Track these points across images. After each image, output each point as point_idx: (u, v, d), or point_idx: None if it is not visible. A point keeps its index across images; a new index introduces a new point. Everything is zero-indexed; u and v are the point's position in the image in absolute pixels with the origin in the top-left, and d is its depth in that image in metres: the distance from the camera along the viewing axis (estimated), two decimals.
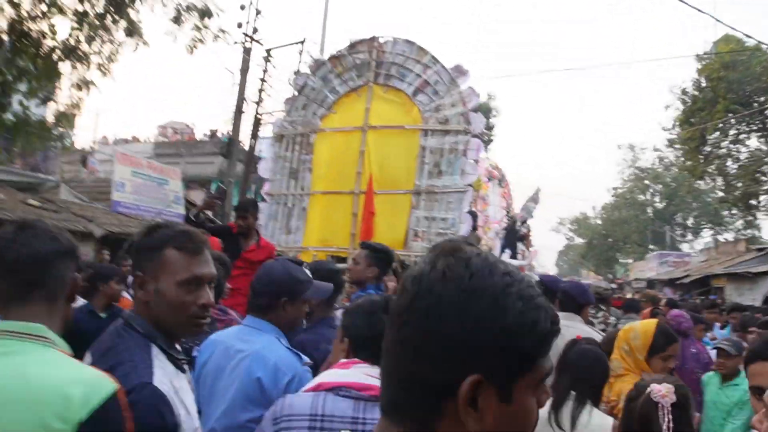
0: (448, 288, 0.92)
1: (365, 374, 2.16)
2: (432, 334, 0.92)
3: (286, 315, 2.89)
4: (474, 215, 10.27)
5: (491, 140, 38.45)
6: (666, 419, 2.49)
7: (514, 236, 16.96)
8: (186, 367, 2.10)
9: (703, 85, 27.82)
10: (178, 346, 2.08)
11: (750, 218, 30.90)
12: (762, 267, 24.25)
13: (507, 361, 0.92)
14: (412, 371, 0.94)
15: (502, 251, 16.25)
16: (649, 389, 2.60)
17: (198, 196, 17.97)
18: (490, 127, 38.65)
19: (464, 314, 0.91)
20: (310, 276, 3.06)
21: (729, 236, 42.62)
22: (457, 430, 0.91)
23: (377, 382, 1.88)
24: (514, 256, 16.54)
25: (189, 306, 1.99)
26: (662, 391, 2.56)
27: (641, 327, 3.84)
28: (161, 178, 16.38)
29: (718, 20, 14.95)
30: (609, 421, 2.97)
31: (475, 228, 10.38)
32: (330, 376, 2.24)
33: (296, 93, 9.95)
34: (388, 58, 9.40)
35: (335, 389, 2.12)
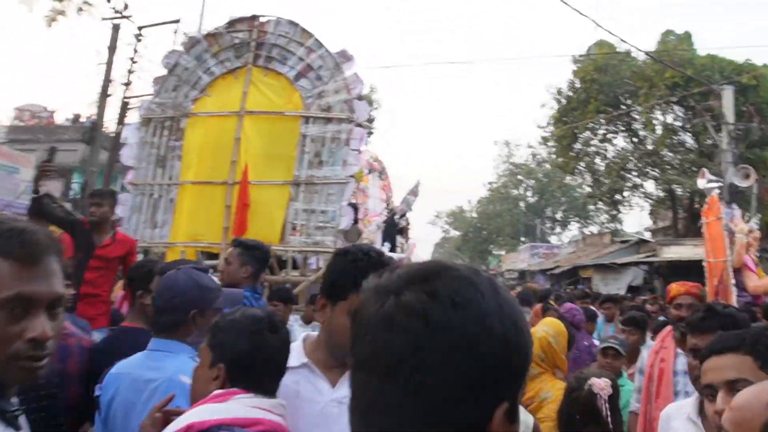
0: (468, 318, 0.86)
1: (249, 407, 1.78)
2: (461, 372, 0.84)
3: (198, 330, 2.57)
4: (355, 208, 9.85)
5: (372, 133, 38.31)
6: (605, 408, 2.86)
7: (394, 229, 16.69)
8: (23, 420, 1.47)
9: (577, 86, 28.78)
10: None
11: (614, 212, 32.38)
12: (626, 258, 25.58)
13: (519, 382, 0.92)
14: (436, 419, 0.84)
15: (382, 244, 15.95)
16: (589, 382, 2.95)
17: (56, 188, 16.57)
18: (371, 120, 38.44)
19: (496, 340, 0.86)
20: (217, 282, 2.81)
21: (594, 229, 44.79)
22: None
23: (266, 416, 1.80)
24: (393, 249, 16.27)
25: (10, 340, 1.34)
26: (602, 385, 2.93)
27: (555, 327, 4.07)
28: (11, 165, 14.91)
29: (597, 24, 15.17)
30: (531, 418, 3.15)
31: (356, 221, 9.96)
32: (203, 413, 1.77)
33: (167, 72, 9.13)
34: (270, 39, 8.76)
35: (213, 430, 1.68)
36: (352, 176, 8.46)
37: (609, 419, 2.89)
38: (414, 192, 17.37)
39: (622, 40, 15.09)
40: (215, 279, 2.73)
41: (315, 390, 2.08)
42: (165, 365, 2.46)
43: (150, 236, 8.45)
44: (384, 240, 16.17)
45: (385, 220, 16.72)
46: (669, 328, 4.58)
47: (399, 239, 17.02)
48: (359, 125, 8.49)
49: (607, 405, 2.89)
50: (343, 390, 1.94)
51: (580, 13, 10.43)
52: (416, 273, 0.91)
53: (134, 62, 16.20)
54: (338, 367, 2.07)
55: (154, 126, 8.89)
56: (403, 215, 17.14)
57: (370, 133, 37.48)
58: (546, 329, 4.04)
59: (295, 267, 8.09)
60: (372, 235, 15.48)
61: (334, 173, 8.25)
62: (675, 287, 4.62)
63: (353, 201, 10.08)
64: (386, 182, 17.86)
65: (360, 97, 8.60)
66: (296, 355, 2.13)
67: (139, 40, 16.30)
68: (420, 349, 0.84)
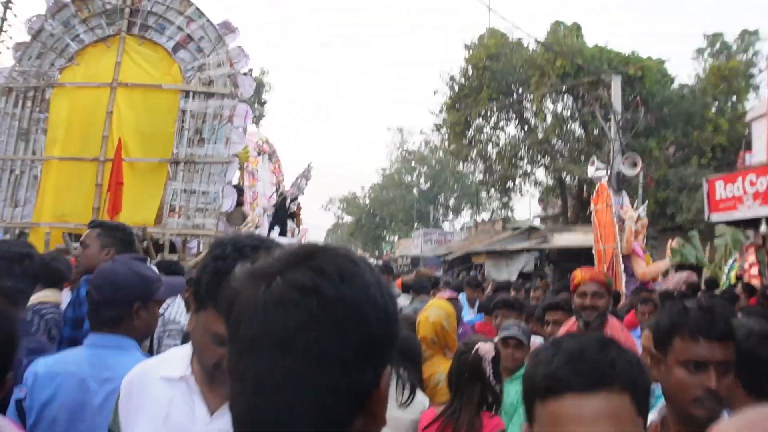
0: (355, 290, 0.91)
1: None
2: (355, 339, 0.90)
3: (141, 323, 2.46)
4: (240, 190, 9.39)
5: (263, 116, 37.50)
6: (489, 369, 3.18)
7: (284, 214, 16.21)
8: None
9: (470, 73, 28.94)
10: None
11: (506, 200, 32.96)
12: (517, 244, 26.02)
13: (395, 346, 0.99)
14: (336, 382, 0.89)
15: (271, 229, 15.48)
16: (477, 346, 3.23)
17: None
18: (262, 103, 37.79)
19: (379, 310, 0.93)
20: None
21: (485, 216, 45.67)
22: (369, 422, 0.93)
23: None
24: (283, 234, 15.87)
25: None
26: (487, 348, 3.24)
27: (445, 309, 4.17)
28: None
29: (490, 8, 15.21)
30: (427, 400, 3.42)
31: (240, 203, 9.49)
32: None
33: (30, 38, 8.33)
34: (146, 6, 8.17)
35: None
36: (235, 155, 8.03)
37: (492, 379, 3.21)
38: (305, 175, 16.89)
39: (515, 26, 15.08)
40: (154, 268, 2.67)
41: (189, 414, 1.66)
42: (117, 362, 2.21)
43: (11, 215, 7.74)
44: (274, 225, 15.69)
45: (275, 204, 16.23)
46: (573, 319, 4.27)
47: (290, 224, 16.58)
48: (244, 101, 8.05)
49: (491, 367, 3.19)
50: (222, 422, 1.52)
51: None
52: (297, 254, 0.95)
53: (3, 31, 14.93)
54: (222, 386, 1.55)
55: (16, 96, 8.11)
56: (294, 199, 16.65)
57: (260, 117, 36.81)
58: (438, 312, 4.13)
59: (173, 251, 7.57)
60: (258, 218, 14.96)
61: (216, 152, 7.82)
62: (579, 273, 4.20)
63: (239, 182, 9.61)
64: (277, 165, 17.32)
65: (245, 72, 8.16)
66: (178, 364, 1.72)
67: (8, 8, 15.06)
68: (317, 322, 0.88)
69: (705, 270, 16.00)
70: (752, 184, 10.77)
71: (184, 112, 7.81)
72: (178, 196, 7.66)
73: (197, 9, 8.10)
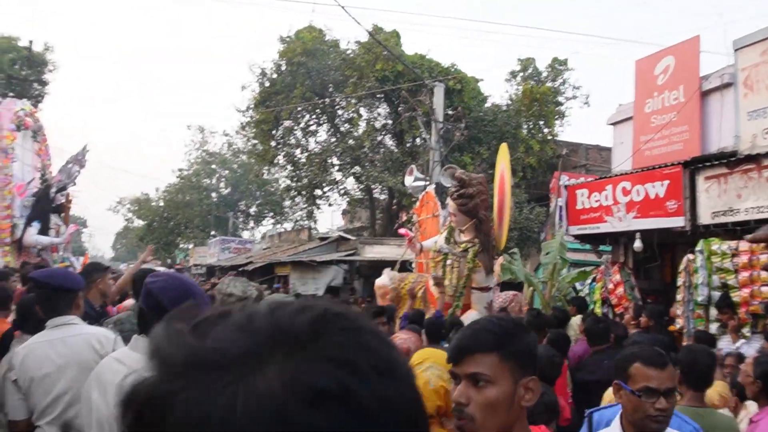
0: (401, 387, 0.62)
1: None
2: None
3: None
4: None
5: (42, 95, 32.57)
6: None
7: (48, 206, 12.91)
8: None
9: (283, 68, 26.71)
10: None
11: (312, 208, 30.79)
12: (325, 256, 24.18)
13: None
14: None
15: (29, 224, 12.16)
16: None
17: None
18: (44, 83, 33.08)
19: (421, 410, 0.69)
20: None
21: (288, 226, 43.61)
22: None
23: None
24: (45, 232, 12.57)
25: None
26: None
27: (443, 362, 3.27)
28: None
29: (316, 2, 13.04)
30: None
31: None
32: None
33: None
34: None
35: None
36: None
37: None
38: (79, 161, 13.55)
39: (348, 12, 12.94)
40: None
41: None
42: None
43: None
44: (33, 219, 12.40)
45: (37, 194, 12.86)
46: None
47: (55, 219, 13.29)
48: None
49: None
50: None
51: None
52: (285, 326, 0.57)
53: None
54: None
55: None
56: (62, 189, 13.32)
57: (39, 96, 31.96)
58: (438, 372, 3.39)
59: None
60: (6, 211, 11.53)
61: None
62: None
63: None
64: (43, 146, 13.79)
65: None
66: None
67: None
68: None
69: (525, 288, 15.12)
70: (626, 192, 9.37)
71: None
72: None
73: None
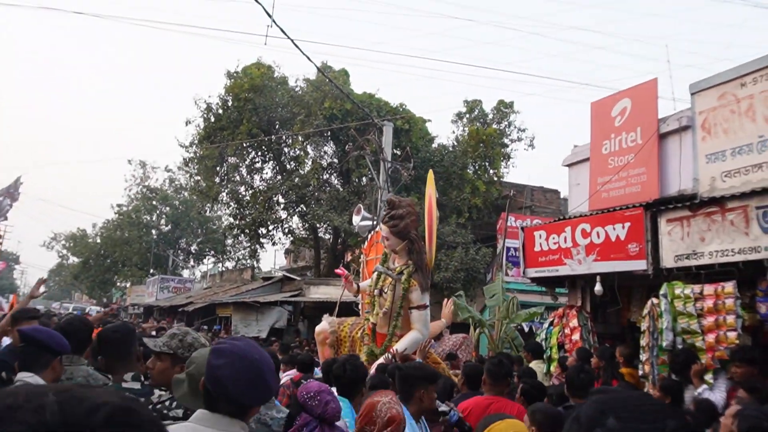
0: None
1: None
2: None
3: None
4: None
5: None
6: None
7: None
8: None
9: (230, 104, 26.33)
10: None
11: (255, 247, 30.14)
12: (269, 296, 23.60)
13: None
14: None
15: None
16: None
17: None
18: None
19: None
20: None
21: (230, 265, 42.64)
22: None
23: None
24: None
25: None
26: None
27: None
28: None
29: (276, 24, 12.86)
30: None
31: None
32: None
33: None
34: None
35: None
36: None
37: None
38: (11, 194, 12.85)
39: (297, 45, 12.74)
40: None
41: None
42: None
43: None
44: None
45: None
46: None
47: None
48: None
49: None
50: None
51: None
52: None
53: None
54: None
55: None
56: None
57: None
58: None
59: None
60: None
61: None
62: None
63: None
64: None
65: None
66: None
67: None
68: None
69: (472, 330, 14.95)
70: (585, 234, 9.30)
71: None
72: None
73: None
